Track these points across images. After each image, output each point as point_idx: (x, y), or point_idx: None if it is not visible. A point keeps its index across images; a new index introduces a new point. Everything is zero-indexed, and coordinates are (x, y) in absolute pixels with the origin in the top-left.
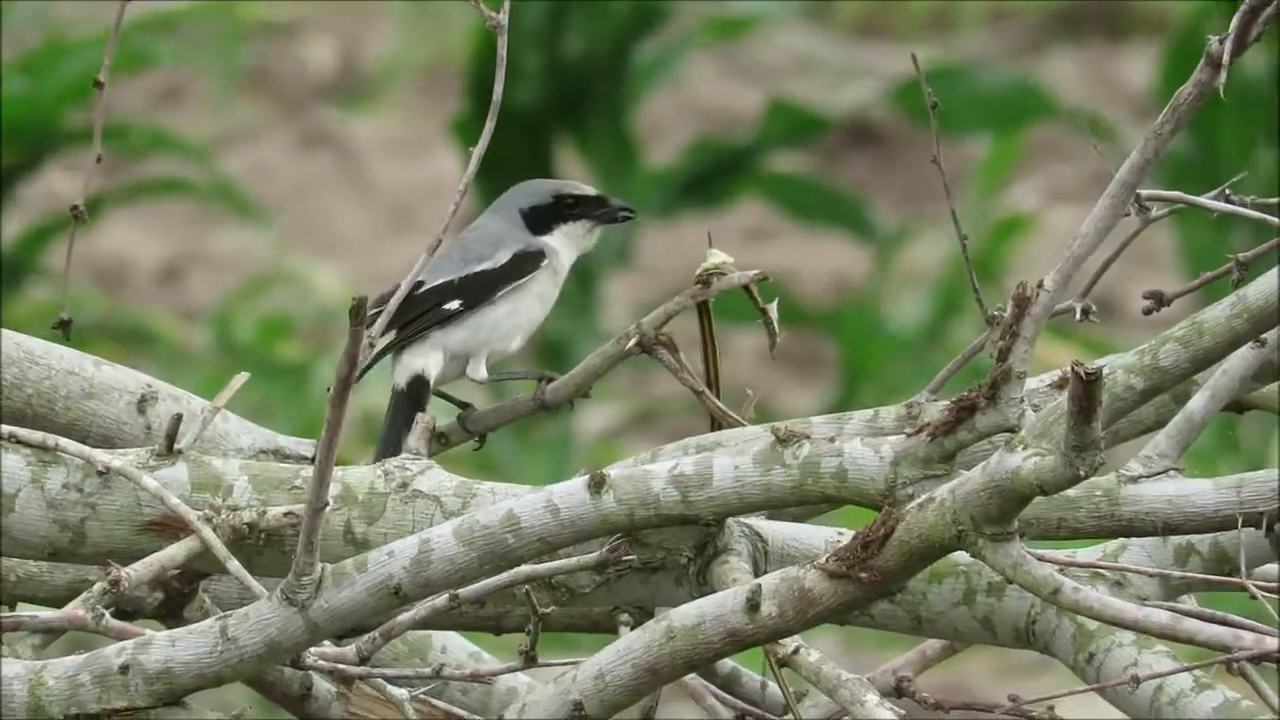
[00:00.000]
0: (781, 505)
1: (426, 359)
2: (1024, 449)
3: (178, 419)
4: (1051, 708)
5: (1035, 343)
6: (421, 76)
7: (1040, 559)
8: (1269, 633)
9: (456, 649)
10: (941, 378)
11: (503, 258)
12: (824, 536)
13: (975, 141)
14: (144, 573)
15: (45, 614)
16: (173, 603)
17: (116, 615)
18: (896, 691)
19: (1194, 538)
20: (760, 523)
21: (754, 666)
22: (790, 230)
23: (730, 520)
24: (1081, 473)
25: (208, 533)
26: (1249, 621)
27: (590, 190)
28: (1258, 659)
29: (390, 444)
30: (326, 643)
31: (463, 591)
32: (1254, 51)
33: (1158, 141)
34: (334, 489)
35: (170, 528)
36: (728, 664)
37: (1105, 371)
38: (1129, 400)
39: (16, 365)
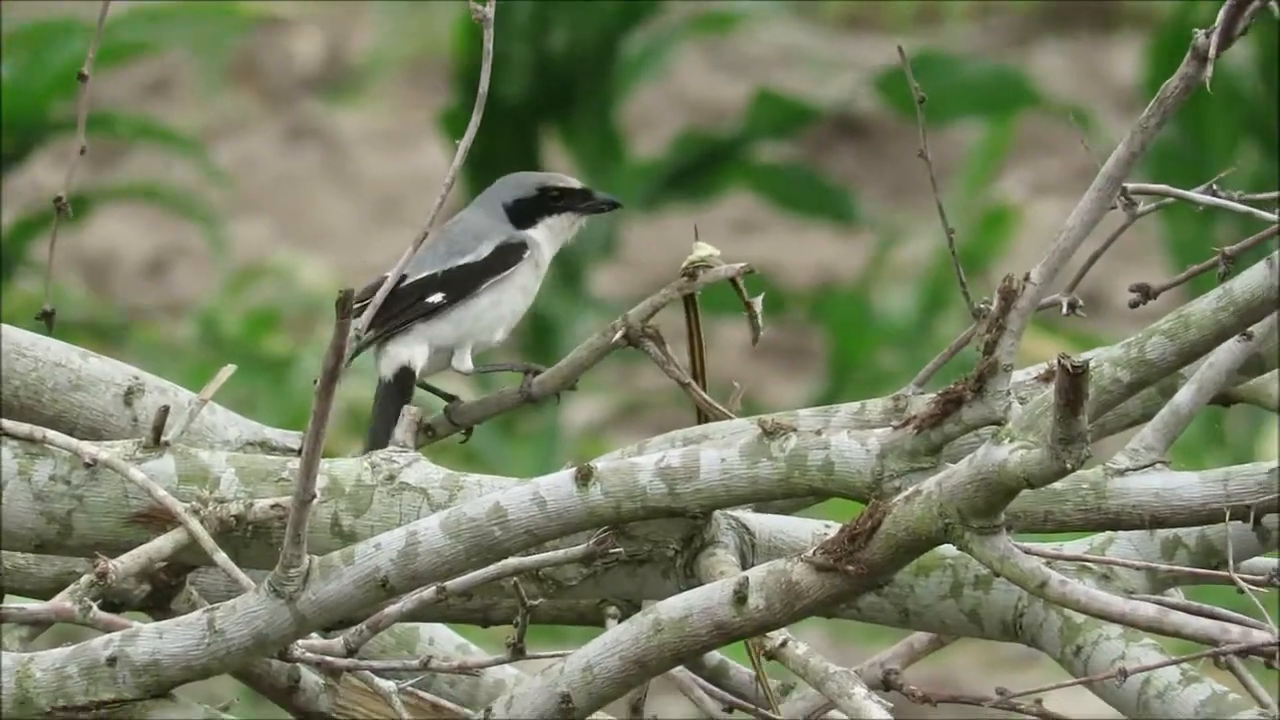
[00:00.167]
0: (768, 498)
1: (411, 351)
2: (1010, 442)
3: (165, 411)
4: (1039, 701)
5: (1022, 336)
6: (408, 69)
7: (1027, 552)
8: (1256, 626)
9: (444, 641)
10: (928, 371)
11: (485, 250)
12: (811, 529)
13: (961, 132)
14: (131, 565)
15: (32, 606)
16: (160, 595)
17: (104, 607)
18: (884, 684)
19: (1181, 531)
20: (747, 515)
21: (742, 659)
22: (777, 222)
23: (717, 513)
24: (1068, 466)
25: (195, 525)
26: (1236, 615)
27: (575, 183)
28: (1245, 652)
29: (380, 435)
30: (314, 635)
31: (450, 584)
32: (1239, 45)
33: (1144, 135)
34: (321, 481)
35: (157, 520)
36: (715, 656)
37: (1092, 364)
38: (1115, 393)
39: (3, 357)
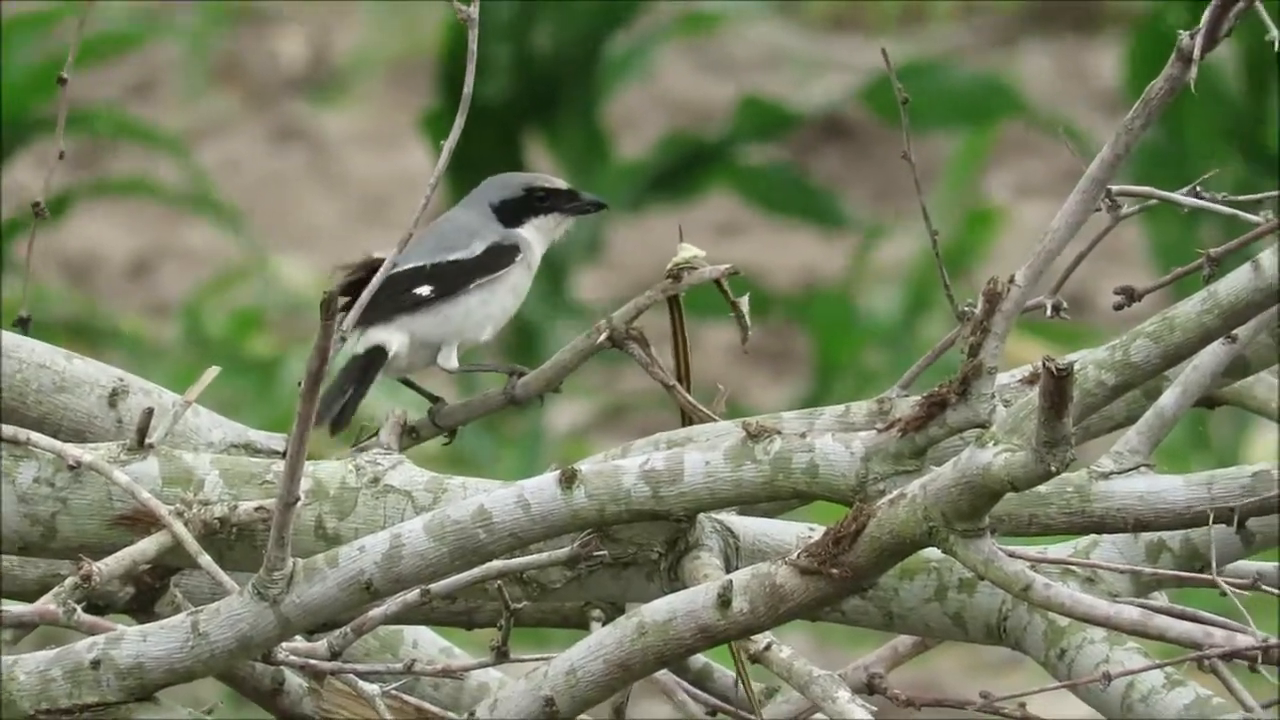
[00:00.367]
0: (753, 501)
1: (390, 336)
2: (995, 445)
3: (149, 413)
4: (1023, 704)
5: (1006, 338)
6: (392, 70)
7: (1011, 555)
8: (1240, 630)
9: (428, 644)
10: (912, 373)
11: (477, 248)
12: (795, 532)
13: (946, 136)
14: (115, 567)
15: (16, 609)
16: (144, 598)
17: (88, 610)
18: (868, 688)
19: (1165, 534)
20: (731, 518)
21: (725, 662)
22: (761, 225)
23: (701, 516)
24: (1052, 468)
25: (179, 527)
26: (1220, 618)
27: (561, 183)
28: (1229, 656)
29: (327, 399)
30: (298, 638)
31: (434, 587)
32: (1223, 46)
33: (1128, 137)
34: (305, 484)
35: (141, 522)
36: (699, 660)
37: (1076, 367)
38: (1100, 396)
39: None
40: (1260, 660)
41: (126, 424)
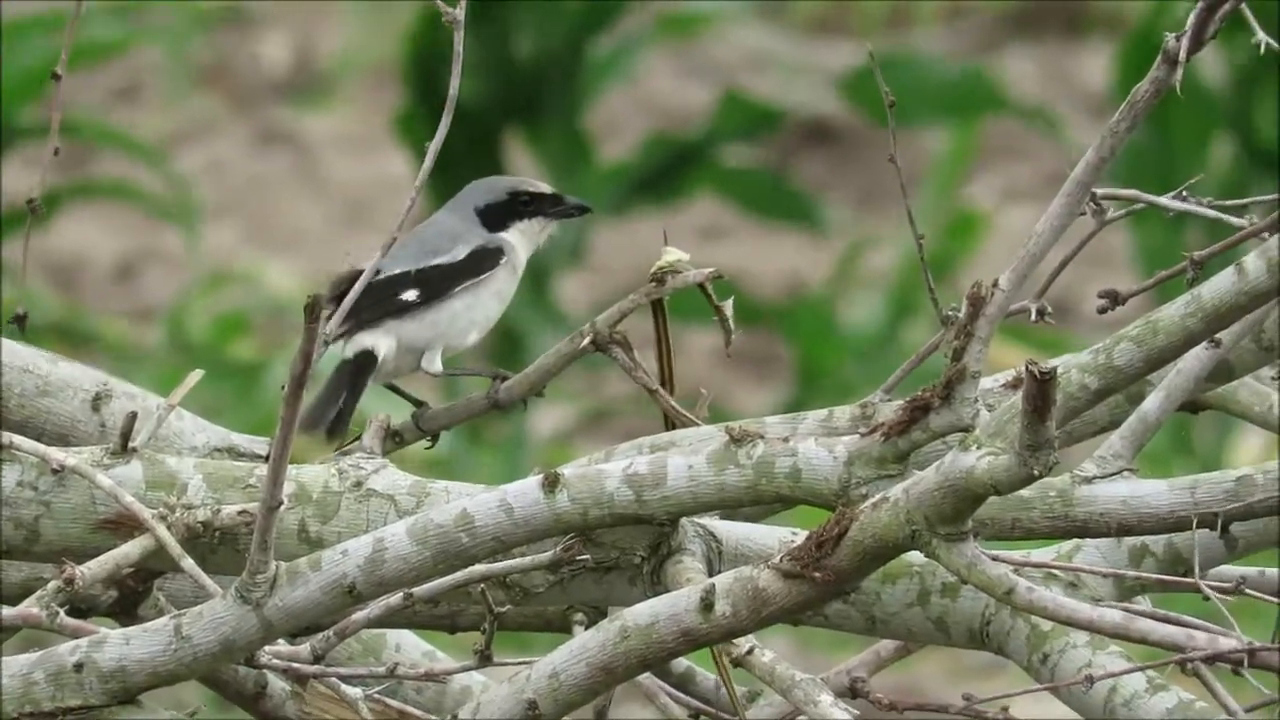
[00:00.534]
0: (735, 505)
1: (377, 341)
2: (978, 448)
3: (132, 417)
4: (1006, 708)
5: (990, 342)
6: (375, 73)
7: (994, 559)
8: (1223, 633)
9: (411, 648)
10: (896, 377)
11: (461, 253)
12: (778, 536)
13: (930, 137)
14: (98, 571)
15: None
16: (127, 601)
17: (71, 613)
18: (850, 692)
19: (1148, 539)
20: (714, 522)
21: (708, 666)
22: (744, 229)
23: (684, 520)
24: (1035, 472)
25: (162, 531)
26: (1203, 622)
27: (545, 187)
28: (1212, 660)
29: (321, 404)
30: (281, 641)
31: (417, 590)
32: (1209, 48)
33: (1114, 140)
34: (288, 487)
35: (125, 526)
36: (682, 663)
37: (1059, 371)
38: (1083, 400)
39: None
40: (1244, 664)
41: (110, 428)
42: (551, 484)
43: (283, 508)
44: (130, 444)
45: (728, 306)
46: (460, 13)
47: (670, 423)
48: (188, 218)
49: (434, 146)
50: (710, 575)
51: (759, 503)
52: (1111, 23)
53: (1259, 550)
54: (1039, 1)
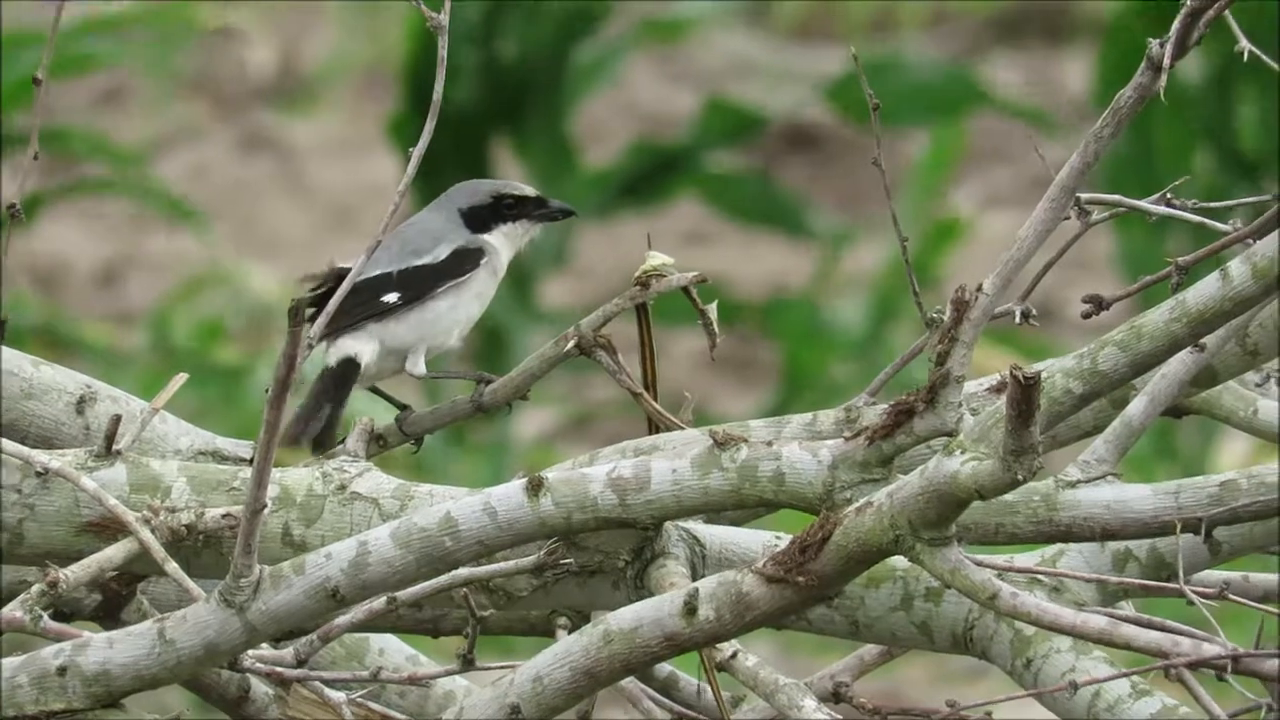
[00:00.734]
0: (719, 509)
1: (361, 346)
2: (962, 453)
3: (116, 420)
4: (989, 713)
5: (974, 346)
6: (360, 78)
7: (978, 564)
8: (1206, 638)
9: (394, 652)
10: (880, 381)
11: (442, 253)
12: (762, 541)
13: (912, 142)
14: (82, 574)
15: None
16: (111, 604)
17: (54, 617)
18: (834, 696)
19: (1132, 543)
20: (698, 526)
21: (691, 671)
22: (728, 233)
23: (668, 524)
24: (1020, 477)
25: (146, 534)
26: (1186, 627)
27: (529, 190)
28: (1196, 665)
29: (305, 414)
30: (264, 645)
31: (400, 594)
32: (1192, 54)
33: (1098, 145)
34: (272, 491)
35: (109, 529)
36: (665, 668)
37: (1044, 375)
38: (1067, 405)
39: None
40: (1228, 669)
41: (94, 431)
42: (535, 488)
43: (266, 511)
44: (114, 447)
45: (712, 310)
46: (445, 18)
47: (654, 426)
48: (188, 214)
49: (418, 151)
50: (694, 579)
51: (743, 507)
52: (1094, 28)
53: (1243, 555)
54: (1022, 5)
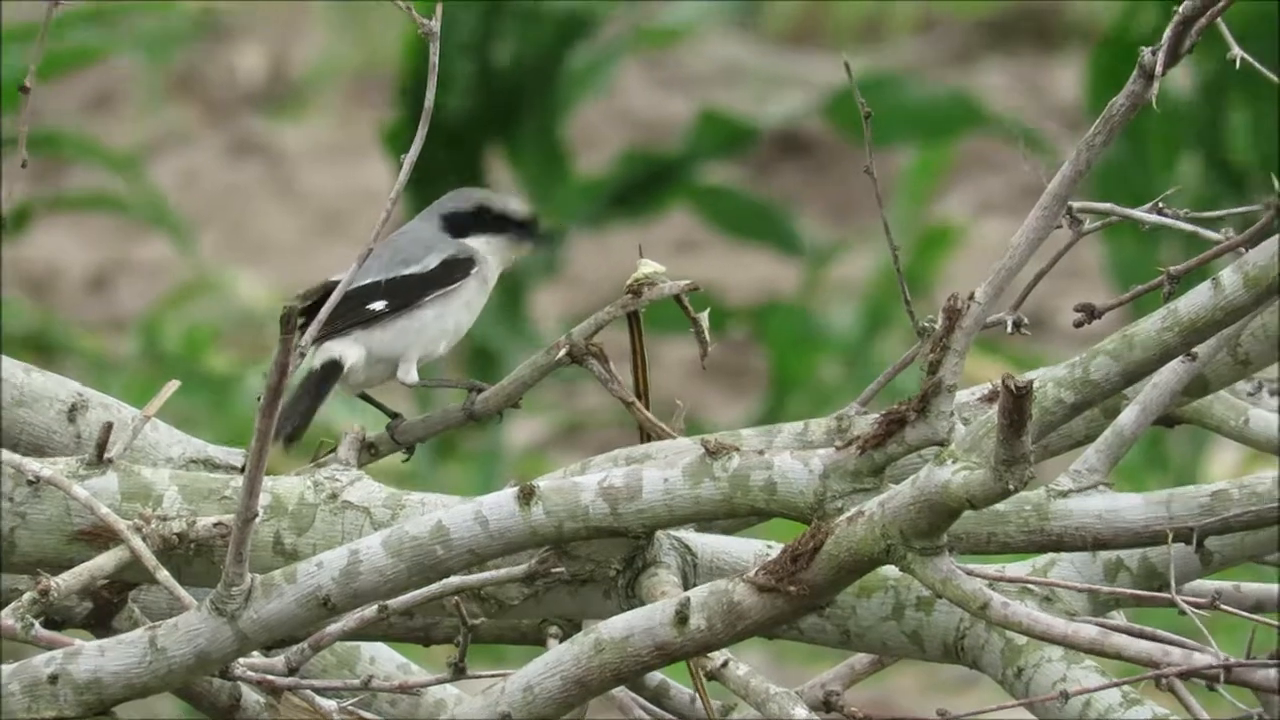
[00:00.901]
0: (711, 518)
1: (345, 350)
2: (953, 462)
3: (108, 428)
4: None
5: (966, 356)
6: (351, 83)
7: (970, 573)
8: (1198, 648)
9: (385, 660)
10: (871, 391)
11: (432, 262)
12: (753, 550)
13: (904, 153)
14: (73, 582)
15: None
16: (102, 613)
17: (45, 625)
18: (825, 705)
19: (1123, 553)
20: (689, 535)
21: (683, 680)
22: (719, 242)
23: (659, 533)
24: (1011, 486)
25: (137, 542)
26: (1177, 637)
27: (517, 208)
28: (1187, 674)
29: (285, 418)
30: (255, 653)
31: (392, 603)
32: (1183, 63)
33: (1090, 153)
34: (263, 499)
35: (100, 537)
36: (656, 677)
37: (1035, 385)
38: (1059, 414)
39: None
40: (1220, 679)
41: (85, 439)
42: (527, 496)
43: (258, 520)
44: (106, 455)
45: (704, 319)
46: (436, 25)
47: (646, 435)
48: (175, 226)
49: (410, 157)
50: (685, 588)
51: (734, 516)
52: (1085, 34)
53: (1234, 565)
54: (1014, 5)
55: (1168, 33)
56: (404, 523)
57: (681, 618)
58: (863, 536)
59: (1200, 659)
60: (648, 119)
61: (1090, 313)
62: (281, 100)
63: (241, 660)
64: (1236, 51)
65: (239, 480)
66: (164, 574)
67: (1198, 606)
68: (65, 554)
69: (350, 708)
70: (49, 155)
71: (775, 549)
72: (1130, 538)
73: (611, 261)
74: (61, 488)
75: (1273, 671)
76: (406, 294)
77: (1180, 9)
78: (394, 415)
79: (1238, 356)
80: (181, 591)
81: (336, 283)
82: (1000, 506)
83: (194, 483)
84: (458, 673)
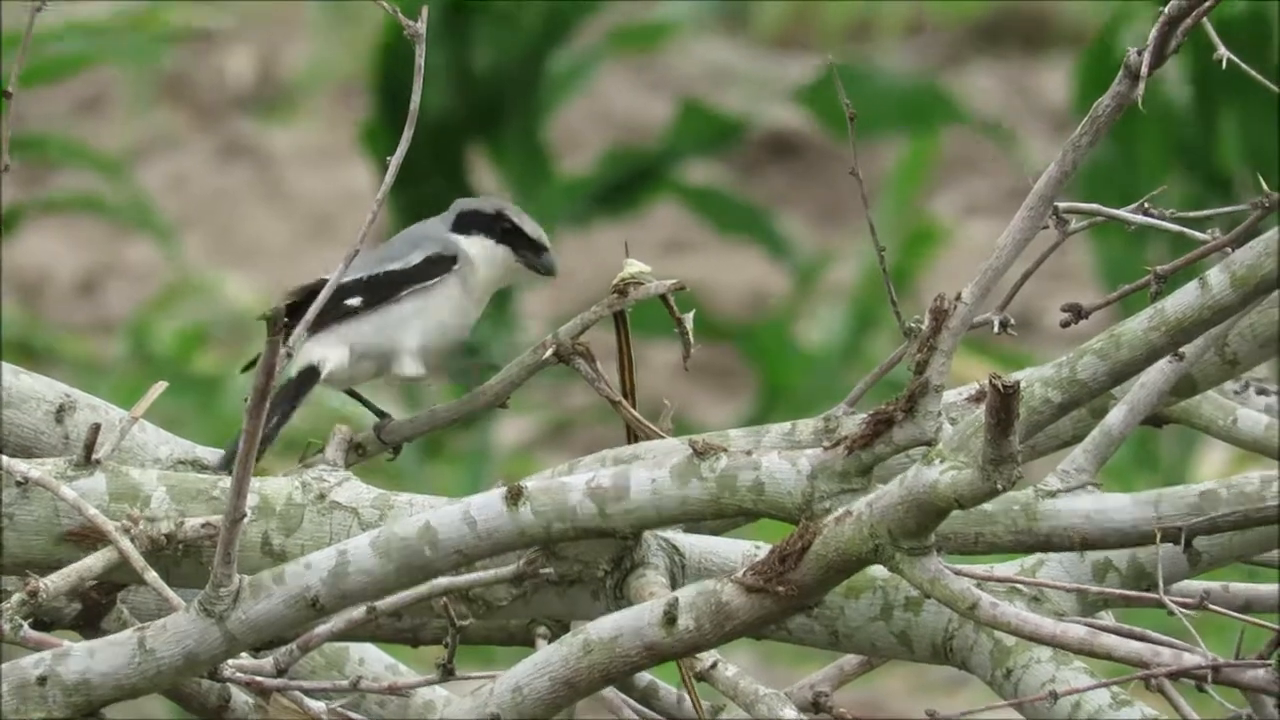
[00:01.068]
0: (699, 518)
1: (325, 352)
2: (941, 462)
3: (96, 429)
4: None
5: (953, 356)
6: (339, 87)
7: (958, 574)
8: (1187, 649)
9: (374, 661)
10: (859, 391)
11: (414, 259)
12: (741, 550)
13: (889, 151)
14: (62, 583)
15: None
16: (91, 614)
17: (34, 626)
18: (814, 707)
19: (1112, 553)
20: (677, 536)
21: (671, 680)
22: (706, 242)
23: (647, 533)
24: (999, 486)
25: (125, 543)
26: (1166, 638)
27: (532, 229)
28: (1176, 675)
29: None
30: (244, 654)
31: (380, 604)
32: (1171, 62)
33: (1076, 154)
34: (251, 500)
35: (88, 538)
36: (645, 677)
37: (1023, 384)
38: (1046, 414)
39: None
40: (1208, 680)
41: (74, 440)
42: (514, 497)
43: (246, 520)
44: (94, 456)
45: (688, 320)
46: (422, 26)
47: (633, 435)
48: (158, 229)
49: (395, 159)
50: (673, 589)
51: (722, 516)
52: (1073, 37)
53: (1223, 565)
54: (1002, 5)
55: (1153, 33)
56: (392, 523)
57: (670, 618)
58: (851, 536)
59: (1189, 659)
60: (632, 121)
61: (1077, 313)
62: (270, 104)
63: (230, 661)
64: (1222, 52)
65: (227, 481)
66: (152, 575)
67: (1186, 607)
68: (53, 555)
69: (339, 709)
70: (37, 159)
71: (763, 549)
72: (1118, 538)
73: (596, 261)
74: (49, 489)
75: (1262, 671)
76: (383, 289)
77: (1165, 9)
78: (382, 415)
79: (1225, 356)
80: (170, 592)
81: (324, 281)
82: (988, 506)
83: (182, 483)
84: (446, 674)
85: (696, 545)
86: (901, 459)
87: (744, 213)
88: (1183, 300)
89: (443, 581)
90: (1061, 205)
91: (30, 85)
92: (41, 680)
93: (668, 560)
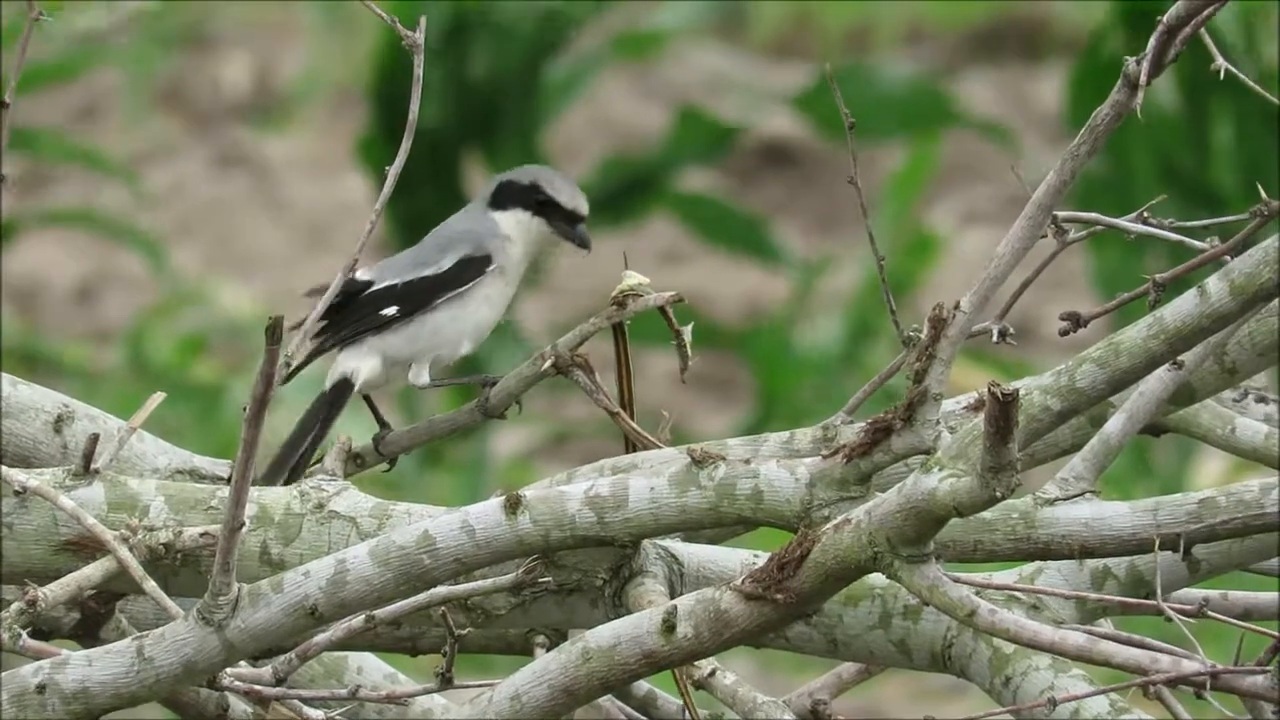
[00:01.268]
0: (697, 527)
1: (360, 363)
2: (940, 470)
3: (94, 439)
4: None
5: (951, 364)
6: (335, 96)
7: (956, 581)
8: (1186, 656)
9: (372, 670)
10: (857, 399)
11: (446, 263)
12: (740, 558)
13: (887, 160)
14: (61, 593)
15: None
16: (89, 623)
17: (33, 635)
18: (812, 714)
19: (1110, 561)
20: (676, 545)
21: (670, 689)
22: (704, 252)
23: (646, 542)
24: (998, 494)
25: (124, 553)
26: (1165, 645)
27: (568, 198)
28: (1175, 682)
29: (292, 443)
30: (243, 663)
31: (379, 612)
32: (1167, 73)
33: (1075, 163)
34: (250, 509)
35: (87, 548)
36: (643, 686)
37: (1021, 392)
38: (1045, 422)
39: None
40: (1207, 687)
41: (72, 449)
42: (513, 506)
43: (244, 530)
44: (92, 466)
45: (687, 332)
46: (420, 36)
47: (631, 445)
48: (150, 242)
49: (394, 169)
50: (672, 597)
51: (721, 524)
52: (1071, 46)
53: (1221, 573)
54: (1000, 6)
55: (1152, 42)
56: (391, 532)
57: (669, 626)
58: (849, 544)
59: (1188, 666)
60: (629, 129)
61: (1076, 321)
62: (267, 112)
63: (229, 670)
64: (1220, 62)
65: (225, 490)
66: (151, 584)
67: (1185, 614)
68: (52, 564)
69: (338, 717)
70: (35, 163)
71: (762, 558)
72: (1117, 545)
73: (595, 271)
74: (48, 498)
75: (1260, 678)
76: (419, 297)
77: (1164, 18)
78: (384, 425)
79: (1224, 365)
80: (168, 601)
81: (352, 281)
82: (987, 514)
83: (180, 493)
84: (445, 682)
85: (695, 554)
86: (900, 467)
87: (741, 222)
88: (1181, 308)
89: (441, 590)
90: (1060, 214)
91: (25, 90)
92: (40, 689)
93: (666, 569)
